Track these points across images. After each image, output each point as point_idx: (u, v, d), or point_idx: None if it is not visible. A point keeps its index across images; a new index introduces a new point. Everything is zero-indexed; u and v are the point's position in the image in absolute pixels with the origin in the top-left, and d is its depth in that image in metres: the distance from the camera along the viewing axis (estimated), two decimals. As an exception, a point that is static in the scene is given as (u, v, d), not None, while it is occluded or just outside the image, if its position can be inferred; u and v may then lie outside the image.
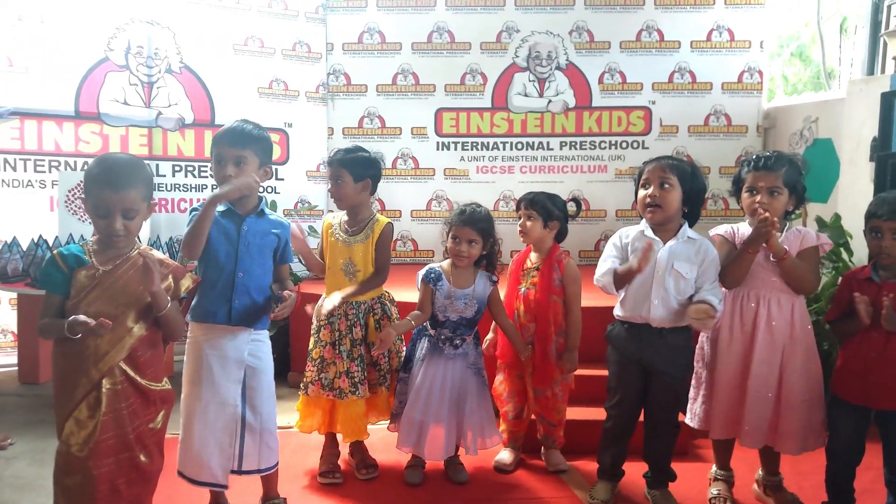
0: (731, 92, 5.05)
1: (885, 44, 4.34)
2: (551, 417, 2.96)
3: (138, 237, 2.08)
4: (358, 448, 2.94)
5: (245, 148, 2.29)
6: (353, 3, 5.04)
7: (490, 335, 3.03)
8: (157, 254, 2.06)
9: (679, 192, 2.53)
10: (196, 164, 4.62)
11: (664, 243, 2.54)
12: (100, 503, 1.92)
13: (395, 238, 5.18)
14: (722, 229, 2.65)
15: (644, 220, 2.61)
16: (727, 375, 2.57)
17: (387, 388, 2.84)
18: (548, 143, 5.12)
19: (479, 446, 2.86)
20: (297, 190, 4.96)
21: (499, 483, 2.89)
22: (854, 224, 3.85)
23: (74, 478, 1.92)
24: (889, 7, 4.69)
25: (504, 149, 5.13)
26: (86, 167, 4.23)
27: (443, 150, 5.13)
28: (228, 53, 4.71)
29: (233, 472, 2.36)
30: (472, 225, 2.72)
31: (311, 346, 2.83)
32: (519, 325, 2.91)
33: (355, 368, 2.73)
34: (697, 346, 2.67)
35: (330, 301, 2.66)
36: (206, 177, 4.64)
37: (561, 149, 5.13)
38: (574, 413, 3.07)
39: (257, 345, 2.39)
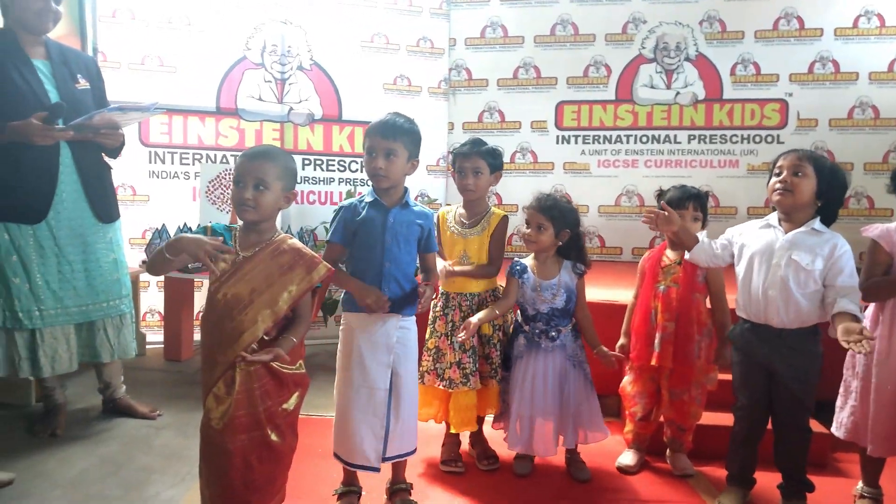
0: (879, 82, 4.66)
1: None
2: (685, 421, 2.86)
3: (279, 227, 2.18)
4: (478, 439, 2.97)
5: (396, 140, 2.35)
6: (477, -2, 5.08)
7: (622, 341, 2.94)
8: (296, 242, 2.14)
9: (814, 183, 2.37)
10: (324, 158, 4.81)
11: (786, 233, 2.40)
12: (234, 474, 2.02)
13: (510, 233, 5.22)
14: (876, 230, 2.44)
15: (773, 213, 2.48)
16: (888, 389, 2.37)
17: (498, 381, 2.84)
18: (675, 136, 4.95)
19: (580, 440, 2.81)
20: (418, 184, 5.05)
21: (621, 484, 2.83)
22: None
23: (213, 449, 2.04)
24: None
25: (628, 142, 5.00)
26: (224, 160, 4.58)
27: (563, 143, 5.07)
28: (355, 50, 4.86)
29: None
30: (541, 210, 2.70)
31: (427, 335, 2.88)
32: (657, 326, 2.81)
33: (467, 360, 2.75)
34: (848, 353, 2.49)
35: (441, 273, 2.71)
36: (333, 170, 4.82)
37: (689, 142, 4.94)
38: (705, 418, 2.96)
39: (405, 332, 2.46)
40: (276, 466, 2.14)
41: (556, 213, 2.72)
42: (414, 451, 2.53)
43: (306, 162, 4.78)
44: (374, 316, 2.39)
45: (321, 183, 4.80)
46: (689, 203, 2.78)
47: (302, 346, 2.17)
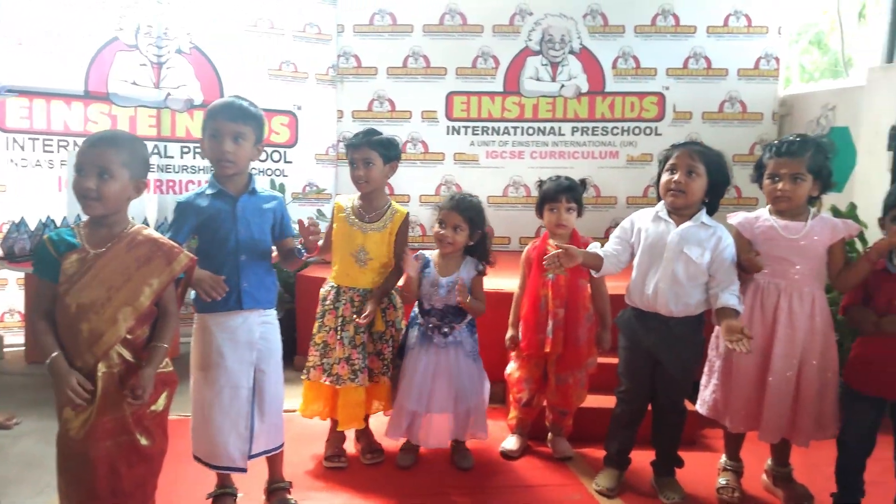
0: (747, 78, 4.95)
1: (905, 30, 4.24)
2: (569, 405, 2.94)
3: (133, 217, 2.04)
4: (364, 433, 2.94)
5: (245, 123, 2.25)
6: (365, -17, 4.98)
7: (510, 332, 2.94)
8: (152, 232, 2.01)
9: (705, 182, 2.48)
10: (205, 146, 4.60)
11: (677, 227, 2.50)
12: (100, 483, 1.90)
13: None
14: (741, 217, 2.57)
15: (661, 203, 2.57)
16: (746, 369, 2.51)
17: (390, 377, 2.80)
18: (559, 128, 5.06)
19: (467, 436, 2.85)
20: (306, 173, 4.92)
21: (504, 469, 2.88)
22: (870, 214, 3.78)
23: (74, 460, 1.91)
24: (911, -8, 4.58)
25: (515, 134, 5.07)
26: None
27: (453, 134, 5.07)
28: (238, 34, 4.66)
29: None
30: (460, 211, 2.70)
31: (314, 330, 2.81)
32: (547, 313, 2.85)
33: (356, 356, 2.70)
34: (713, 334, 2.63)
35: (365, 314, 2.66)
36: (215, 158, 4.61)
37: (572, 134, 5.06)
38: (585, 401, 3.05)
39: (267, 327, 2.37)
40: (146, 471, 2.02)
41: (473, 215, 2.72)
42: (281, 447, 2.46)
43: (185, 150, 4.55)
44: (233, 313, 2.28)
45: (200, 172, 4.58)
46: (563, 196, 2.84)
47: (177, 344, 2.06)
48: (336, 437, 2.88)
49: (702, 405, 2.67)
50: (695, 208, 2.52)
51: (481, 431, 2.85)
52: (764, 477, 2.73)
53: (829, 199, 3.96)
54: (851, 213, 3.78)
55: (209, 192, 2.29)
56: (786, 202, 2.46)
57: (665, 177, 2.53)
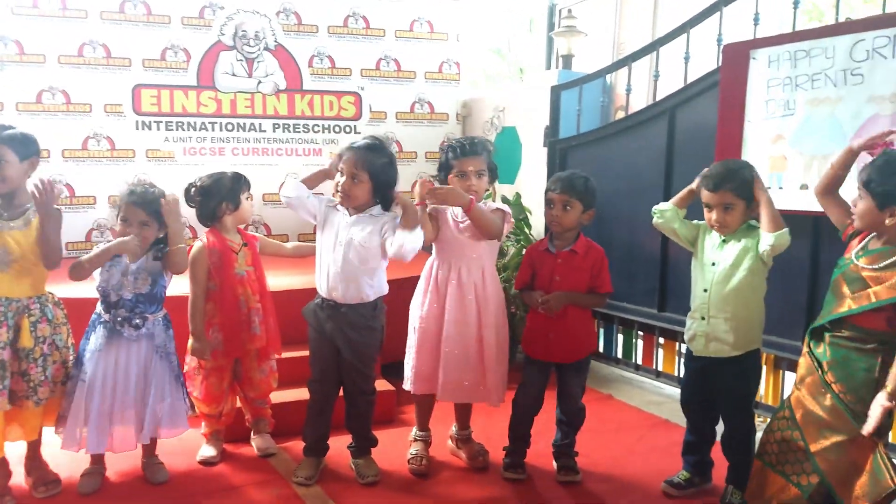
0: (433, 81, 5.38)
1: (553, 41, 4.97)
2: (266, 395, 3.00)
3: None
4: (35, 465, 2.62)
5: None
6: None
7: (197, 344, 2.79)
8: None
9: (368, 185, 2.63)
10: None
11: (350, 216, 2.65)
12: None
13: (91, 228, 4.72)
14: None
15: None
16: (424, 335, 2.76)
17: (36, 402, 2.48)
18: (260, 124, 5.00)
19: (159, 435, 2.70)
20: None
21: (204, 477, 2.79)
22: (532, 201, 4.39)
23: None
24: (560, 10, 5.37)
25: (213, 129, 4.89)
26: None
27: (143, 129, 4.73)
28: None
29: None
30: (145, 207, 2.58)
31: None
32: (248, 309, 2.84)
33: None
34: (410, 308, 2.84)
35: None
36: None
37: (274, 131, 5.04)
38: (282, 395, 3.09)
39: None
40: None
41: (157, 208, 2.59)
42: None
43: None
44: None
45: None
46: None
47: None
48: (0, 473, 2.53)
49: (406, 382, 2.85)
50: (364, 207, 2.67)
51: (177, 428, 2.71)
52: (449, 442, 3.02)
53: (502, 189, 4.51)
54: (517, 201, 4.33)
55: None
56: (477, 197, 2.71)
57: (337, 176, 2.67)
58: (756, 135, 3.20)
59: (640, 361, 4.09)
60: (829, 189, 2.34)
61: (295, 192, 2.72)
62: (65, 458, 2.68)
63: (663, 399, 3.75)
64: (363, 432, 2.81)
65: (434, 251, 2.82)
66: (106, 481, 2.69)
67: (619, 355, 4.22)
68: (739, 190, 2.45)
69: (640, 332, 4.06)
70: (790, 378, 3.16)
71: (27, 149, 2.49)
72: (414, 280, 2.92)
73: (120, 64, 4.65)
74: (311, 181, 2.77)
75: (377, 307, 2.71)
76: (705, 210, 2.53)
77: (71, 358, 2.63)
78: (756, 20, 3.29)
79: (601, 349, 4.25)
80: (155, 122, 4.77)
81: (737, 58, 3.25)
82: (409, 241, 2.54)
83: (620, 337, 4.22)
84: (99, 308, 2.66)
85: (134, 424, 2.62)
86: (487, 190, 2.91)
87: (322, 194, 2.82)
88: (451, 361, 2.74)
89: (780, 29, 3.51)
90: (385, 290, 2.74)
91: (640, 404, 3.69)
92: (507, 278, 3.85)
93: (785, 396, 2.51)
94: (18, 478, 2.62)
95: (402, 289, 3.03)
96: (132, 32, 4.67)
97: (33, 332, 2.47)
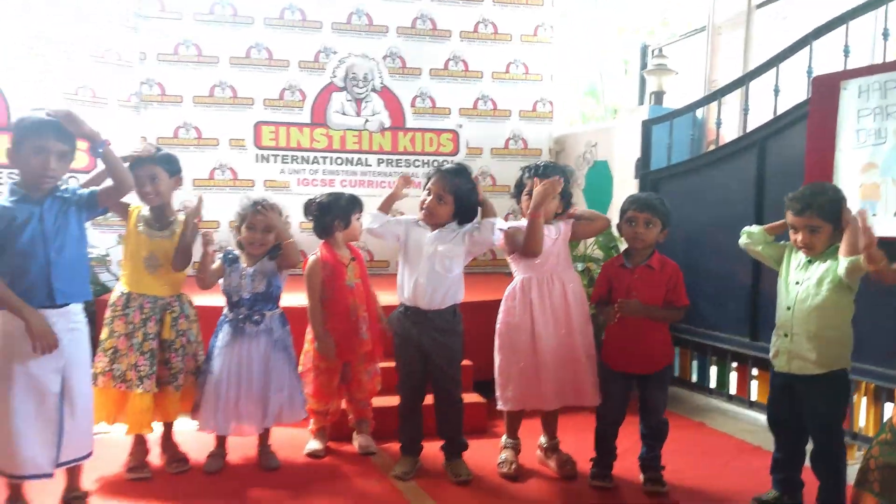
0: (527, 119, 5.66)
1: (645, 80, 5.14)
2: (369, 397, 3.26)
3: None
4: (168, 443, 2.97)
5: (69, 143, 2.37)
6: (169, 13, 5.03)
7: (318, 344, 3.09)
8: None
9: (451, 208, 2.89)
10: (-11, 169, 4.34)
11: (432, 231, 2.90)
12: None
13: (214, 249, 5.18)
14: (508, 224, 3.06)
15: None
16: (514, 353, 2.94)
17: (176, 387, 2.85)
18: (366, 159, 5.41)
19: (279, 417, 2.98)
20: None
21: (312, 467, 3.06)
22: (622, 231, 4.50)
23: None
24: (652, 50, 5.54)
25: (324, 163, 5.34)
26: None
27: (262, 161, 5.23)
28: (28, 55, 4.48)
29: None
30: (267, 215, 2.93)
31: (103, 335, 2.83)
32: (357, 318, 3.12)
33: (143, 362, 2.77)
34: (496, 332, 3.03)
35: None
36: (2, 182, 4.36)
37: (378, 165, 5.43)
38: (382, 401, 3.32)
39: (75, 333, 2.40)
40: None
41: (276, 217, 2.96)
42: (90, 455, 2.46)
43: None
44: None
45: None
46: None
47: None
48: (139, 449, 2.89)
49: (504, 404, 3.00)
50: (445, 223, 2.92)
51: (296, 415, 3.02)
52: (538, 452, 3.15)
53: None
54: (608, 231, 4.46)
55: (12, 198, 2.33)
56: (545, 216, 2.92)
57: (424, 195, 2.93)
58: (847, 163, 3.24)
59: (733, 392, 4.08)
60: None
61: (377, 222, 2.98)
62: (193, 444, 3.02)
63: (756, 428, 3.72)
64: (454, 436, 3.00)
65: (517, 271, 3.03)
66: (227, 464, 3.00)
67: (713, 386, 4.22)
68: (825, 213, 2.51)
69: (735, 364, 4.06)
70: (890, 410, 3.11)
71: (174, 167, 2.91)
72: (494, 303, 3.12)
73: (244, 103, 5.19)
74: (385, 207, 3.04)
75: (456, 313, 2.94)
76: (791, 231, 2.62)
77: (200, 352, 2.98)
78: (846, 52, 3.37)
79: (694, 380, 4.27)
80: (273, 155, 5.26)
81: (827, 89, 3.33)
82: (495, 224, 2.86)
83: (714, 368, 4.23)
84: (225, 309, 3.01)
85: (257, 411, 2.93)
86: (563, 212, 3.08)
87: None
88: (547, 370, 2.90)
89: (871, 60, 3.56)
90: (461, 297, 2.97)
91: (733, 432, 3.69)
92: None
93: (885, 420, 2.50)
94: (154, 457, 2.98)
95: (486, 309, 3.24)
96: (255, 75, 5.21)
97: (174, 327, 2.85)
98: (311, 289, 3.10)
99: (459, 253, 2.89)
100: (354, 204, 3.23)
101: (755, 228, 2.80)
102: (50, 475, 2.32)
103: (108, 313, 2.83)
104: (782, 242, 2.75)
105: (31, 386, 2.28)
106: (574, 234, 3.05)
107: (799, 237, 2.56)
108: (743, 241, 2.81)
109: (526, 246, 2.88)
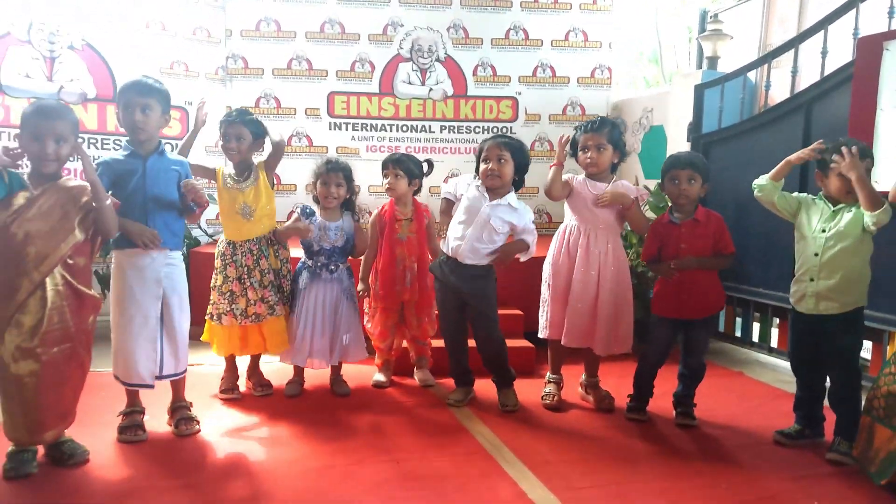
0: (585, 86, 5.85)
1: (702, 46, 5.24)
2: (426, 336, 3.61)
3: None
4: (254, 371, 3.43)
5: (151, 97, 2.74)
6: (251, -7, 5.48)
7: (360, 286, 3.50)
8: (67, 181, 2.49)
9: (512, 166, 3.17)
10: (98, 137, 4.90)
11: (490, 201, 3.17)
12: (44, 387, 2.32)
13: (292, 210, 5.67)
14: (569, 175, 3.29)
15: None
16: (556, 289, 3.26)
17: (277, 314, 3.27)
18: (430, 126, 5.75)
19: (345, 356, 3.41)
20: (196, 161, 5.29)
21: (378, 396, 3.46)
22: (672, 192, 4.68)
23: (9, 381, 2.30)
24: (709, 15, 5.61)
25: (391, 130, 5.71)
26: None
27: (335, 129, 5.65)
28: (131, 33, 5.01)
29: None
30: (339, 171, 3.31)
31: (218, 282, 3.25)
32: (403, 269, 3.47)
33: (269, 294, 3.21)
34: (545, 273, 3.35)
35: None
36: (109, 149, 4.93)
37: (441, 132, 5.76)
38: (441, 342, 3.68)
39: (171, 268, 2.84)
40: (80, 377, 2.48)
41: (348, 173, 3.35)
42: (184, 372, 2.92)
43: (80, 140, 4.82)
44: (142, 254, 2.73)
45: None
46: (390, 164, 3.49)
47: (90, 267, 2.51)
48: (230, 374, 3.36)
49: (541, 331, 3.35)
50: (506, 189, 3.20)
51: (358, 355, 3.44)
52: (579, 388, 3.46)
53: (650, 183, 4.85)
54: (658, 192, 4.66)
55: (124, 152, 2.76)
56: (594, 167, 3.20)
57: (482, 166, 3.19)
58: (888, 123, 3.36)
59: (774, 345, 4.25)
60: None
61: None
62: (274, 375, 3.48)
63: (794, 378, 3.90)
64: (500, 370, 3.32)
65: (569, 216, 3.30)
66: (304, 390, 3.44)
67: (755, 339, 4.40)
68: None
69: (777, 319, 4.22)
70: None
71: (258, 131, 3.29)
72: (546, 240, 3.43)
73: (319, 75, 5.60)
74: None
75: (490, 265, 3.23)
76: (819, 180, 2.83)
77: (288, 286, 3.38)
78: (891, 13, 3.45)
79: (738, 334, 4.46)
80: (344, 123, 5.66)
81: (871, 50, 3.43)
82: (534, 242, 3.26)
83: (756, 326, 4.40)
84: (303, 257, 3.43)
85: (325, 349, 3.35)
86: (618, 163, 3.30)
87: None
88: (574, 313, 3.20)
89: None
90: None
91: (770, 381, 3.89)
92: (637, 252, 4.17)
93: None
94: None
95: (538, 264, 3.48)
96: (329, 49, 5.60)
97: (277, 256, 3.30)
98: (370, 237, 3.52)
99: (505, 233, 3.20)
100: (421, 168, 3.61)
101: (763, 180, 2.98)
102: (151, 386, 2.79)
103: (218, 263, 3.26)
104: (795, 195, 2.93)
105: (137, 310, 2.73)
106: (619, 216, 3.25)
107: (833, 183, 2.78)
108: (756, 194, 3.00)
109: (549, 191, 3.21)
